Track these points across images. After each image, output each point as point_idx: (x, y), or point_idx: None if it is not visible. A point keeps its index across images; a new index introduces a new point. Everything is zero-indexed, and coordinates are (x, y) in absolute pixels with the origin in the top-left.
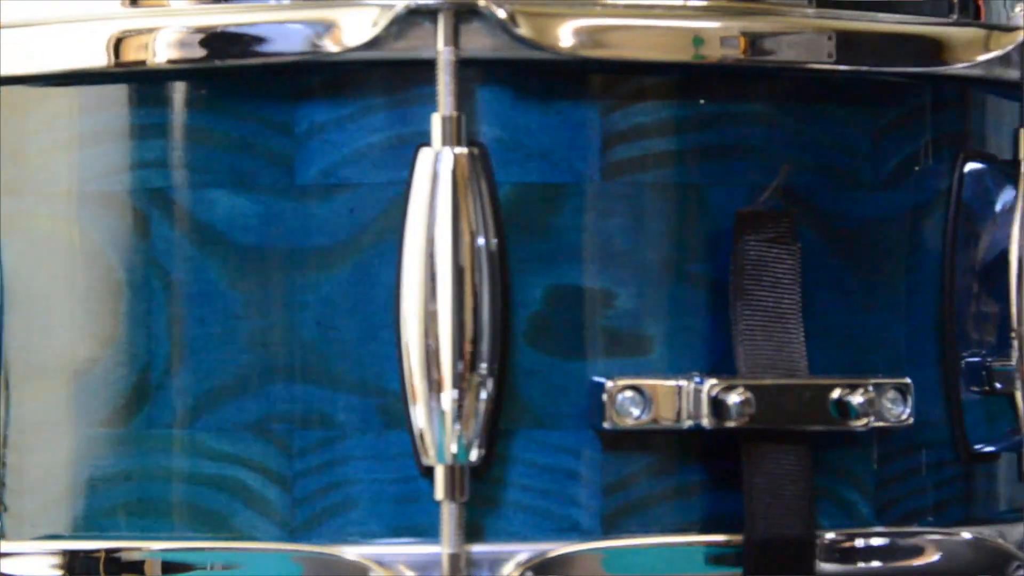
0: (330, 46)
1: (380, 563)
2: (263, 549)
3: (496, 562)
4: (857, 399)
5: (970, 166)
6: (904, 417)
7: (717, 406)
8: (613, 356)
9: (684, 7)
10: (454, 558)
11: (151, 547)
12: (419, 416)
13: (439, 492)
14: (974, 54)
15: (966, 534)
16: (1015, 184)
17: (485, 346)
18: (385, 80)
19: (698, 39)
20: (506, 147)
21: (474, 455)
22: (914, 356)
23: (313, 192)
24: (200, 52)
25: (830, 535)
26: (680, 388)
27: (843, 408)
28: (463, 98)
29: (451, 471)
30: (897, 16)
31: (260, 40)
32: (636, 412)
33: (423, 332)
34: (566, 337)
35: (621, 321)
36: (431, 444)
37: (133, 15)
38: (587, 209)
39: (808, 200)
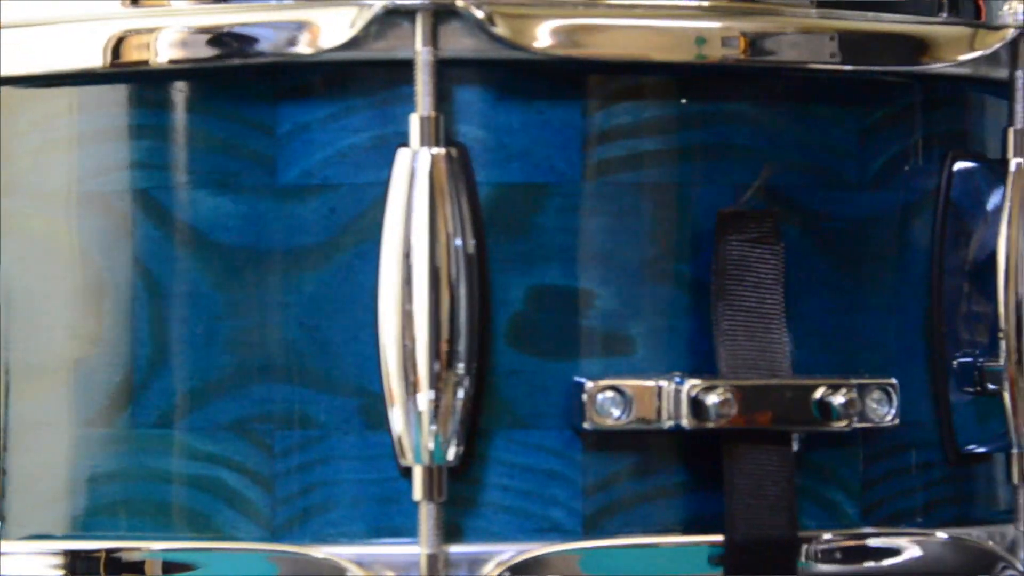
0: (309, 47)
1: (359, 563)
2: (240, 549)
3: (476, 563)
4: (839, 399)
5: (959, 165)
6: (889, 418)
7: (697, 406)
8: (595, 356)
9: (667, 6)
10: (432, 559)
11: (138, 546)
12: (396, 416)
13: (417, 493)
14: (959, 53)
15: (951, 535)
16: (1005, 183)
17: (463, 346)
18: (366, 80)
19: (684, 38)
20: (487, 147)
21: (452, 455)
22: (902, 356)
23: (295, 192)
24: (181, 53)
25: (813, 535)
26: (661, 388)
27: (825, 408)
28: (444, 98)
29: (429, 471)
30: (881, 15)
31: (240, 41)
32: (617, 412)
33: (400, 332)
34: (547, 337)
35: (603, 321)
36: (408, 445)
37: (117, 16)
38: (569, 209)
39: (793, 200)
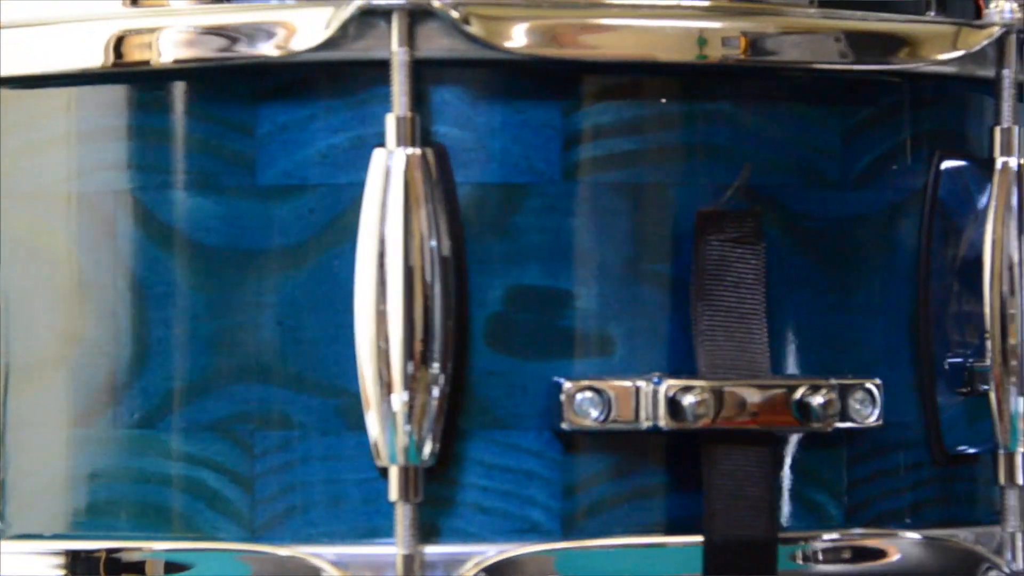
0: (285, 48)
1: (335, 564)
2: (216, 549)
3: (454, 563)
4: (818, 400)
5: (947, 164)
6: (873, 418)
7: (674, 407)
8: (574, 357)
9: (646, 5)
10: (408, 559)
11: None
12: (371, 417)
13: (393, 493)
14: (942, 51)
15: (935, 536)
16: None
17: (437, 346)
18: (346, 81)
19: (664, 37)
20: (466, 147)
21: (427, 456)
22: (887, 357)
23: (274, 193)
24: (159, 55)
25: (795, 536)
26: (639, 389)
27: (805, 409)
28: (423, 98)
29: (405, 472)
30: (866, 13)
31: (216, 42)
32: (595, 413)
33: (375, 333)
34: (526, 338)
35: (582, 322)
36: (383, 445)
37: (99, 17)
38: (548, 209)
39: (776, 200)
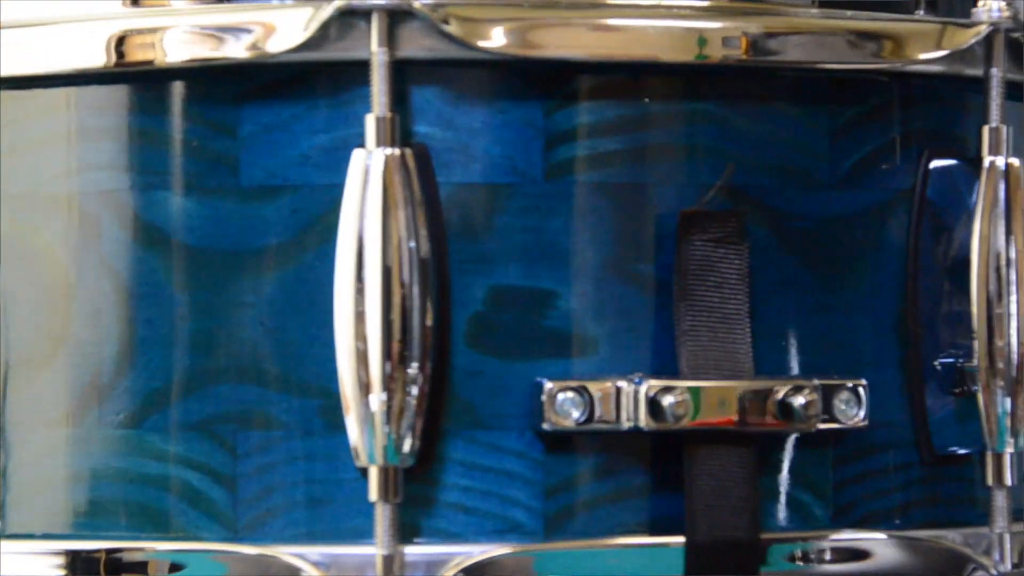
0: (265, 49)
1: (316, 564)
2: (195, 550)
3: (436, 563)
4: (799, 400)
5: (936, 164)
6: (858, 419)
7: (655, 407)
8: (556, 357)
9: (631, 5)
10: (388, 559)
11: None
12: (351, 417)
13: (373, 493)
14: (925, 51)
15: (921, 537)
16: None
17: (416, 347)
18: (328, 82)
19: (645, 37)
20: (448, 147)
21: (406, 456)
22: (875, 357)
23: (257, 193)
24: (140, 55)
25: (778, 537)
26: (620, 389)
27: (787, 410)
28: (404, 99)
29: (384, 472)
30: (844, 12)
31: (196, 43)
32: (576, 413)
33: (353, 333)
34: (508, 338)
35: (564, 322)
36: (362, 445)
37: (85, 19)
38: (530, 209)
39: (761, 200)
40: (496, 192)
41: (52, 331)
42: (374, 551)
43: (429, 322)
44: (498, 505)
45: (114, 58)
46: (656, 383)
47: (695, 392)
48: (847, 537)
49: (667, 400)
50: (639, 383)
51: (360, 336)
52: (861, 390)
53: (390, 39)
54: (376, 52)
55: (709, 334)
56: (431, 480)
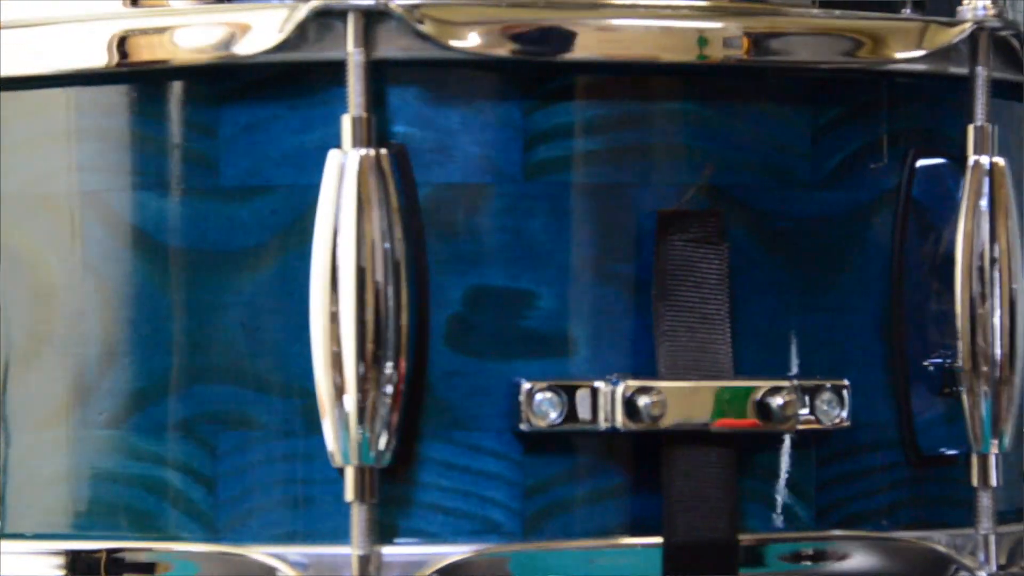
0: (242, 50)
1: (296, 564)
2: (172, 550)
3: (413, 564)
4: (777, 401)
5: (923, 163)
6: (839, 419)
7: (631, 408)
8: (535, 357)
9: (610, 4)
10: (363, 560)
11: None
12: (326, 417)
13: (348, 494)
14: (906, 49)
15: (904, 538)
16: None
17: (391, 347)
18: (308, 82)
19: (628, 37)
20: (427, 147)
21: (382, 457)
22: (860, 357)
23: (237, 194)
24: (118, 56)
25: (758, 538)
26: (597, 390)
27: (765, 410)
28: (383, 99)
29: (360, 472)
30: (826, 11)
31: (172, 44)
32: (553, 414)
33: (328, 334)
34: (487, 338)
35: (543, 322)
36: (336, 446)
37: (65, 21)
38: (509, 210)
39: (742, 200)
40: (475, 192)
41: (38, 331)
42: (350, 551)
43: (404, 323)
44: (477, 506)
45: (96, 61)
46: (632, 383)
47: (673, 393)
48: (829, 537)
49: (643, 400)
50: (616, 383)
51: (334, 337)
52: (844, 390)
53: (367, 40)
54: (352, 52)
55: (688, 334)
56: (410, 480)
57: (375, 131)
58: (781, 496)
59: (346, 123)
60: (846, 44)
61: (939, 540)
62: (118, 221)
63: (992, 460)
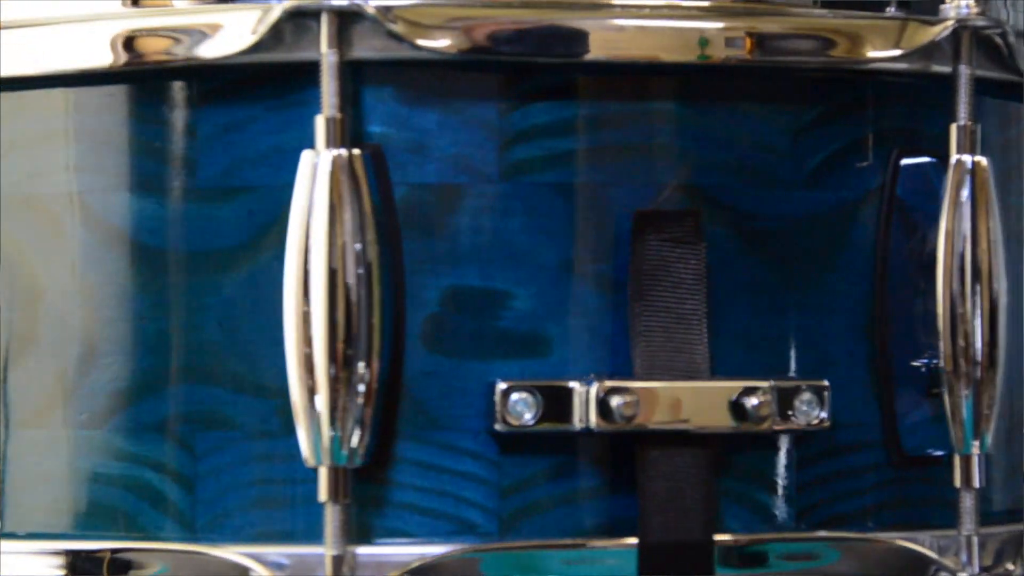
0: (217, 51)
1: (266, 564)
2: (144, 549)
3: (390, 564)
4: (752, 402)
5: (907, 162)
6: (818, 420)
7: (604, 408)
8: (512, 357)
9: (585, 4)
10: (337, 560)
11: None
12: (299, 418)
13: (322, 494)
14: (884, 48)
15: (884, 539)
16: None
17: (363, 348)
18: (286, 83)
19: (604, 36)
20: (404, 148)
21: (355, 457)
22: (842, 357)
23: (215, 195)
24: (97, 58)
25: (736, 539)
26: (572, 390)
27: (740, 411)
28: (360, 99)
29: (333, 473)
30: (807, 10)
31: (152, 45)
32: (528, 414)
33: (300, 335)
34: (463, 338)
35: (519, 322)
36: (308, 446)
37: (41, 24)
38: (485, 209)
39: (721, 199)
40: (451, 192)
41: (22, 331)
42: (324, 551)
43: (377, 323)
44: (453, 506)
45: (76, 63)
46: (606, 384)
47: (645, 393)
48: (808, 538)
49: (616, 401)
50: (590, 384)
51: (306, 338)
52: (823, 391)
53: (342, 40)
54: (325, 53)
55: (664, 335)
56: (386, 480)
57: (350, 131)
58: (761, 497)
59: (319, 124)
60: (822, 43)
61: (922, 541)
62: (99, 222)
63: (975, 461)
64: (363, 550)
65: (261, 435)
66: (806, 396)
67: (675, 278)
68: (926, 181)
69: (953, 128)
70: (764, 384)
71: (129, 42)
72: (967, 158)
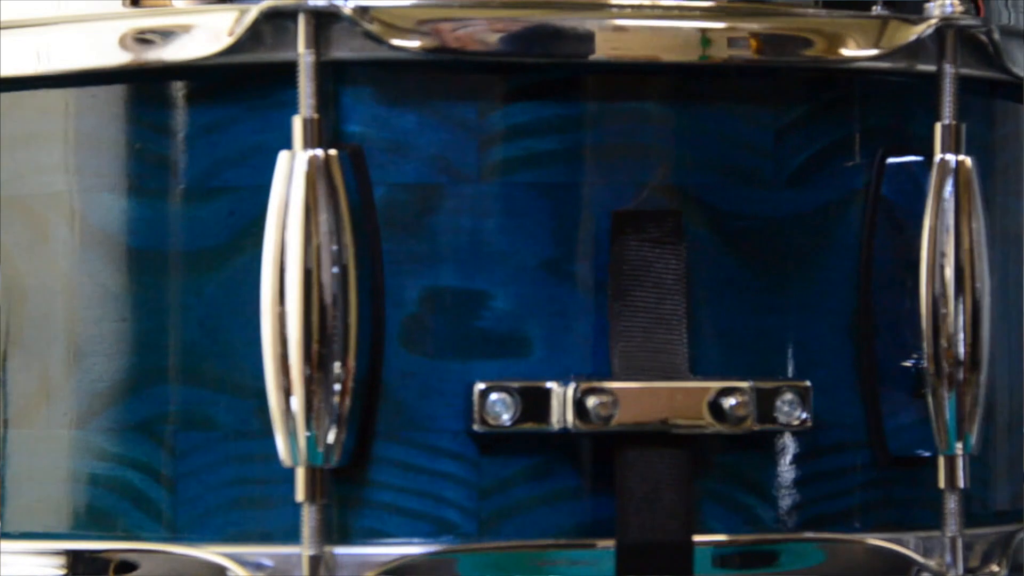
0: (194, 52)
1: (244, 564)
2: (125, 549)
3: (368, 564)
4: (730, 402)
5: (893, 161)
6: (801, 420)
7: (581, 408)
8: (491, 358)
9: (564, 3)
10: (314, 560)
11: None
12: (275, 418)
13: (299, 494)
14: (863, 47)
15: (866, 539)
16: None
17: (338, 348)
18: (264, 83)
19: (579, 35)
20: (383, 148)
21: (330, 457)
22: (827, 358)
23: (196, 195)
24: (79, 60)
25: (715, 540)
26: (550, 390)
27: (719, 411)
28: (339, 100)
29: (311, 473)
30: (784, 8)
31: (130, 46)
32: (506, 415)
33: (276, 335)
34: (442, 339)
35: (499, 323)
36: (284, 446)
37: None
38: (464, 210)
39: (703, 199)
40: (430, 192)
41: (8, 332)
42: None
43: (353, 323)
44: (432, 506)
45: (54, 63)
46: (583, 384)
47: (623, 393)
48: (789, 539)
49: (592, 401)
50: (567, 384)
51: (282, 338)
52: (805, 391)
53: (320, 41)
54: (303, 53)
55: (643, 335)
56: (365, 481)
57: (328, 132)
58: (743, 498)
59: (296, 124)
60: (800, 42)
61: (907, 543)
62: (82, 223)
63: (959, 462)
64: (342, 550)
65: (241, 435)
66: (788, 396)
67: (655, 278)
68: (912, 181)
69: (937, 127)
70: (743, 384)
71: (105, 43)
72: (951, 157)
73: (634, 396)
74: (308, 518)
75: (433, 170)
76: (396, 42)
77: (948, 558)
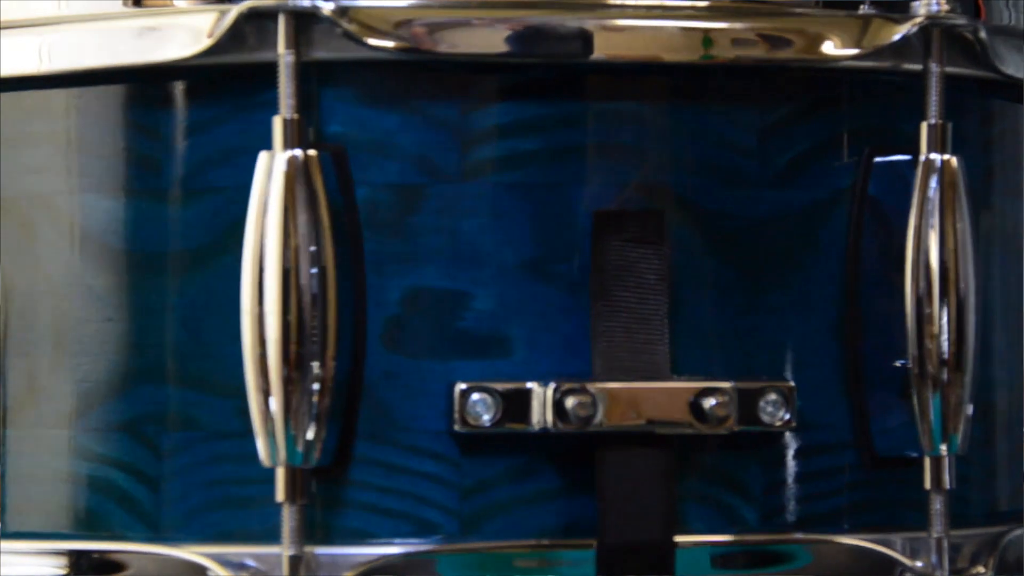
0: (174, 53)
1: (225, 564)
2: (110, 550)
3: (349, 564)
4: (710, 402)
5: (880, 161)
6: (784, 421)
7: (560, 409)
8: (472, 358)
9: (545, 3)
10: (294, 560)
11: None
12: (255, 419)
13: (279, 494)
14: (844, 46)
15: (849, 540)
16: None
17: (317, 348)
18: (247, 84)
19: (564, 35)
20: (365, 148)
21: (310, 457)
22: (812, 358)
23: (179, 196)
24: (64, 59)
25: (697, 541)
26: (531, 391)
27: (700, 412)
28: (321, 100)
29: (290, 473)
30: (764, 7)
31: (115, 46)
32: (487, 415)
33: (255, 336)
34: (424, 339)
35: (480, 323)
36: (263, 447)
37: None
38: (446, 210)
39: (686, 199)
40: (412, 192)
41: (2, 332)
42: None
43: (332, 324)
44: (413, 506)
45: (41, 63)
46: (563, 385)
47: (603, 393)
48: (772, 540)
49: (571, 402)
50: (546, 385)
51: (260, 339)
52: (789, 392)
53: (301, 41)
54: (283, 54)
55: (625, 335)
56: (346, 481)
57: (309, 132)
58: (727, 498)
59: (276, 125)
60: (779, 42)
61: (893, 544)
62: (67, 223)
63: (945, 463)
64: (323, 550)
65: (223, 435)
66: (771, 397)
67: (637, 278)
68: (900, 180)
69: (923, 126)
70: (725, 385)
71: (91, 44)
72: (936, 156)
73: (614, 396)
74: (288, 518)
75: (415, 170)
76: (374, 42)
77: (934, 559)
